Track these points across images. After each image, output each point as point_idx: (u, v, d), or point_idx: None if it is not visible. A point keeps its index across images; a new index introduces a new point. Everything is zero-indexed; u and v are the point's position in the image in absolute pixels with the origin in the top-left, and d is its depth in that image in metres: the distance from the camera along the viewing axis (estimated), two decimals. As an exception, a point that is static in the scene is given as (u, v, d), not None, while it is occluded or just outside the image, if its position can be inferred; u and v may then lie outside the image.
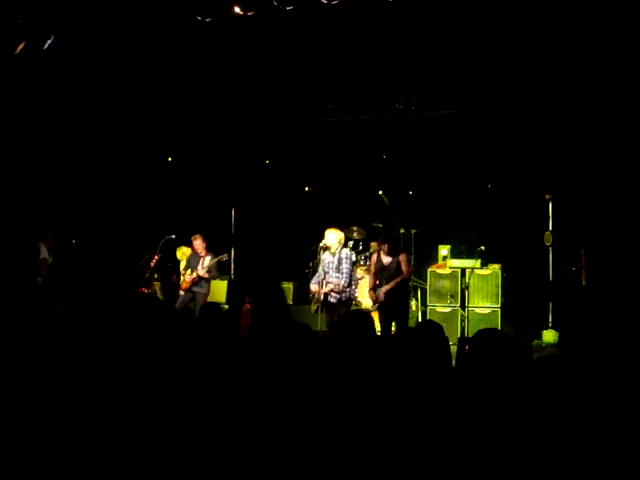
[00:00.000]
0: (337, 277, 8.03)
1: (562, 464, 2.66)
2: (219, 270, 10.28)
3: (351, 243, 11.33)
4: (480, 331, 3.47)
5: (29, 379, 3.49)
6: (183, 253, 10.73)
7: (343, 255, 8.12)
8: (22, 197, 9.83)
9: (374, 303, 8.12)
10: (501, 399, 2.98)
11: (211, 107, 11.08)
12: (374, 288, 8.08)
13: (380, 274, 8.03)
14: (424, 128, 10.99)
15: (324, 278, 8.14)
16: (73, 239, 10.69)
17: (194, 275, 9.79)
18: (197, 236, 10.03)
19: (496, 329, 3.60)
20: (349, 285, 8.12)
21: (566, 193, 10.87)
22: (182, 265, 10.58)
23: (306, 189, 12.95)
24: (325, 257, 8.30)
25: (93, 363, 3.72)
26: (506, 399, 2.97)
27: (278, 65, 9.44)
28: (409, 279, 8.26)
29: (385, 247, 8.02)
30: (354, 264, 8.40)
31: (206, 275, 9.83)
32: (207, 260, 9.89)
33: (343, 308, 8.00)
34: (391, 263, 7.94)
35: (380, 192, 11.41)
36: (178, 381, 3.47)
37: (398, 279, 7.82)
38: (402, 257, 7.95)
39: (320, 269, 8.37)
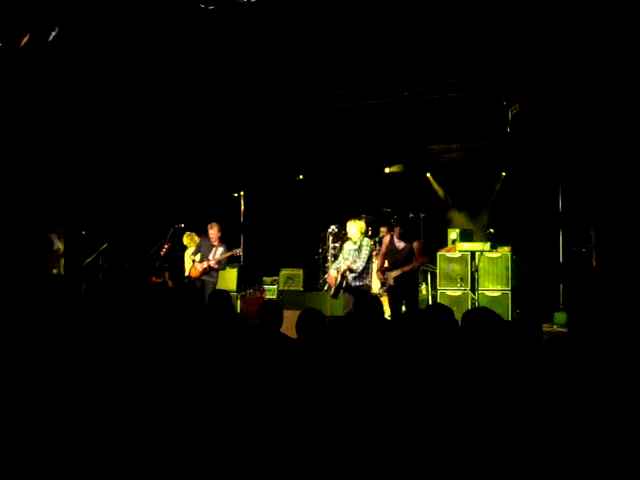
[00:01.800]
0: (355, 262, 8.23)
1: (570, 446, 2.67)
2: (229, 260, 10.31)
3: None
4: (469, 311, 3.49)
5: (45, 367, 3.54)
6: (191, 239, 10.69)
7: (364, 243, 8.32)
8: (33, 189, 9.89)
9: (382, 285, 8.12)
10: (508, 380, 2.99)
11: (218, 96, 11.07)
12: (383, 270, 8.04)
13: (391, 257, 7.98)
14: (432, 112, 10.93)
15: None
16: (83, 230, 10.72)
17: (205, 265, 9.75)
18: (214, 224, 9.90)
19: (485, 308, 3.57)
20: (366, 274, 8.21)
21: (575, 174, 10.82)
22: (188, 252, 10.55)
23: (299, 177, 12.92)
24: (347, 246, 8.45)
25: (107, 351, 3.76)
26: (515, 380, 2.98)
27: (287, 51, 9.41)
28: (419, 267, 8.19)
29: (397, 230, 7.95)
30: (371, 255, 8.40)
31: (216, 266, 9.82)
32: (220, 251, 9.81)
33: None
34: (404, 248, 7.87)
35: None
36: (189, 368, 3.50)
37: (408, 267, 7.73)
38: (416, 245, 7.83)
39: (340, 257, 8.52)
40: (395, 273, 7.80)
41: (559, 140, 10.89)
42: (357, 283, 8.20)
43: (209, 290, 9.62)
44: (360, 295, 7.93)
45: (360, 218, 8.71)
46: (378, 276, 8.23)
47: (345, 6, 7.79)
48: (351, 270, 8.17)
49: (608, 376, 3.05)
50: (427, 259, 8.11)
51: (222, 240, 9.91)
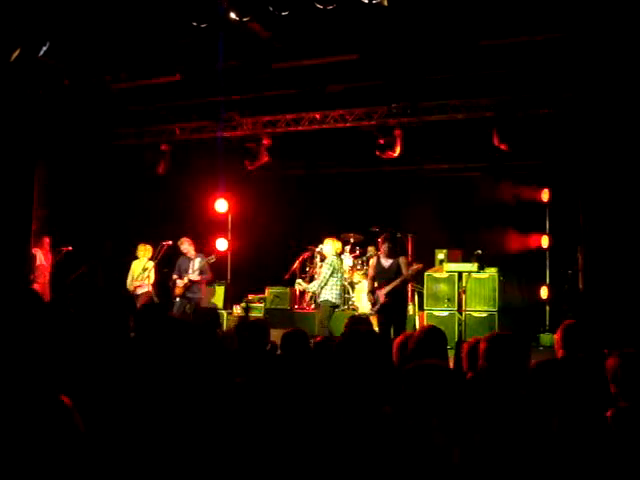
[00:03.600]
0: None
1: (559, 468, 2.65)
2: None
3: (348, 247, 11.34)
4: None
5: (30, 381, 3.48)
6: (145, 251, 10.35)
7: (327, 261, 8.95)
8: (19, 204, 9.80)
9: (373, 306, 8.17)
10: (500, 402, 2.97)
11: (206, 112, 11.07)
12: (372, 291, 8.11)
13: (380, 277, 8.08)
14: (422, 132, 10.98)
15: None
16: (70, 245, 10.63)
17: (185, 280, 9.59)
18: (183, 240, 9.81)
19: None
20: (329, 290, 8.74)
21: (563, 196, 10.89)
22: (137, 262, 10.28)
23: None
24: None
25: (92, 367, 3.70)
26: (505, 406, 2.96)
27: (276, 70, 9.43)
28: (409, 281, 8.36)
29: (385, 247, 8.07)
30: (333, 272, 8.82)
31: (198, 278, 9.65)
32: (197, 262, 9.69)
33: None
34: (391, 266, 8.01)
35: None
36: (171, 383, 3.45)
37: (398, 280, 7.88)
38: (402, 260, 8.06)
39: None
40: (385, 289, 7.91)
41: (547, 162, 10.98)
42: (319, 298, 8.91)
43: (193, 306, 9.55)
44: (320, 307, 8.88)
45: (339, 239, 9.10)
46: (368, 297, 8.39)
47: (337, 26, 7.84)
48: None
49: (596, 396, 3.04)
50: (416, 268, 8.20)
51: (199, 251, 9.88)
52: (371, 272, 8.32)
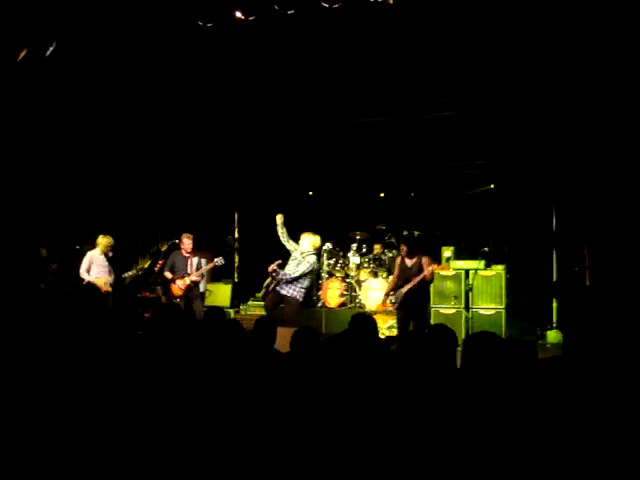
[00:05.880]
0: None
1: (566, 466, 2.66)
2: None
3: (354, 245, 11.35)
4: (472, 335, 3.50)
5: (31, 379, 3.51)
6: (106, 244, 9.42)
7: (308, 259, 8.60)
8: (24, 203, 9.86)
9: (393, 303, 8.31)
10: (505, 401, 2.98)
11: (215, 110, 11.10)
12: (394, 289, 8.27)
13: (402, 275, 8.25)
14: (426, 130, 10.99)
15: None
16: (77, 245, 10.67)
17: (188, 281, 9.18)
18: (190, 235, 9.35)
19: (487, 332, 3.56)
20: (298, 286, 8.51)
21: (569, 193, 10.86)
22: (94, 252, 9.28)
23: (310, 193, 12.92)
24: (293, 254, 8.67)
25: (96, 365, 3.73)
26: (510, 401, 2.97)
27: (281, 68, 9.46)
28: (431, 281, 8.40)
29: (405, 249, 8.24)
30: (310, 272, 8.68)
31: (200, 279, 9.35)
32: (202, 262, 9.41)
33: None
34: (413, 265, 8.18)
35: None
36: (181, 382, 3.48)
37: (418, 278, 8.00)
38: (424, 259, 8.15)
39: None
40: (406, 288, 8.07)
41: (552, 159, 10.95)
42: (284, 291, 8.52)
43: (199, 303, 9.29)
44: (286, 304, 8.49)
45: (316, 234, 8.87)
46: (383, 299, 8.54)
47: (343, 24, 7.86)
48: (275, 271, 8.50)
49: (604, 394, 3.04)
50: (431, 269, 8.19)
51: (196, 250, 9.42)
52: (396, 271, 8.46)
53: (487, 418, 2.87)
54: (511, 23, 7.64)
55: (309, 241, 8.67)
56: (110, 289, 9.23)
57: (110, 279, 9.30)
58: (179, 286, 9.25)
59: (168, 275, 9.34)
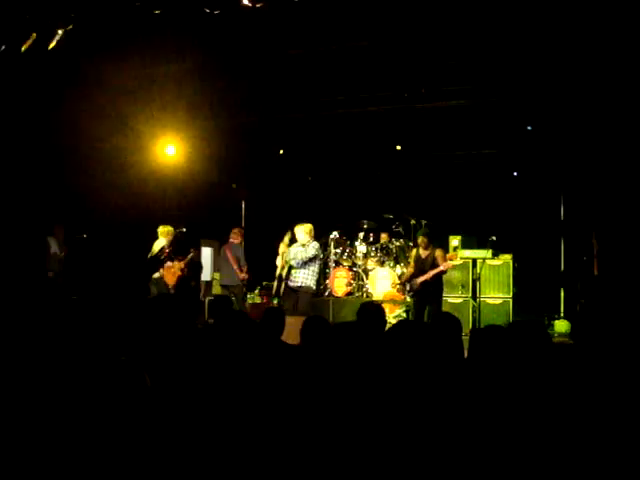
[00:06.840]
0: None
1: (573, 455, 2.65)
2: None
3: (362, 234, 11.32)
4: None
5: (36, 371, 3.51)
6: (167, 233, 10.25)
7: (312, 244, 8.92)
8: (30, 191, 9.85)
9: (409, 291, 8.88)
10: (513, 389, 2.97)
11: (221, 100, 11.06)
12: (409, 279, 8.75)
13: (417, 266, 8.66)
14: (434, 118, 10.93)
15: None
16: (84, 233, 10.69)
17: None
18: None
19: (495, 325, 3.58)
20: (310, 275, 8.84)
21: (577, 183, 10.82)
22: (158, 242, 10.14)
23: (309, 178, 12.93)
24: (293, 249, 8.99)
25: (101, 356, 3.73)
26: (519, 389, 2.97)
27: (288, 56, 9.40)
28: (444, 272, 8.62)
29: (423, 241, 8.58)
30: (316, 256, 8.99)
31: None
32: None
33: None
34: (427, 257, 8.55)
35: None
36: (188, 373, 3.48)
37: (434, 271, 8.38)
38: (438, 252, 8.54)
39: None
40: (421, 278, 8.47)
41: (561, 150, 10.89)
42: (298, 283, 8.82)
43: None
44: (300, 295, 8.75)
45: (304, 222, 9.14)
46: (397, 287, 9.22)
47: (350, 12, 7.80)
48: (290, 267, 8.86)
49: (612, 382, 3.04)
50: (450, 263, 8.59)
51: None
52: (411, 262, 8.85)
53: (495, 406, 2.87)
54: (525, 10, 7.56)
55: (302, 230, 8.95)
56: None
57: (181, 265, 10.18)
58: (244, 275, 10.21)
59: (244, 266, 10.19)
